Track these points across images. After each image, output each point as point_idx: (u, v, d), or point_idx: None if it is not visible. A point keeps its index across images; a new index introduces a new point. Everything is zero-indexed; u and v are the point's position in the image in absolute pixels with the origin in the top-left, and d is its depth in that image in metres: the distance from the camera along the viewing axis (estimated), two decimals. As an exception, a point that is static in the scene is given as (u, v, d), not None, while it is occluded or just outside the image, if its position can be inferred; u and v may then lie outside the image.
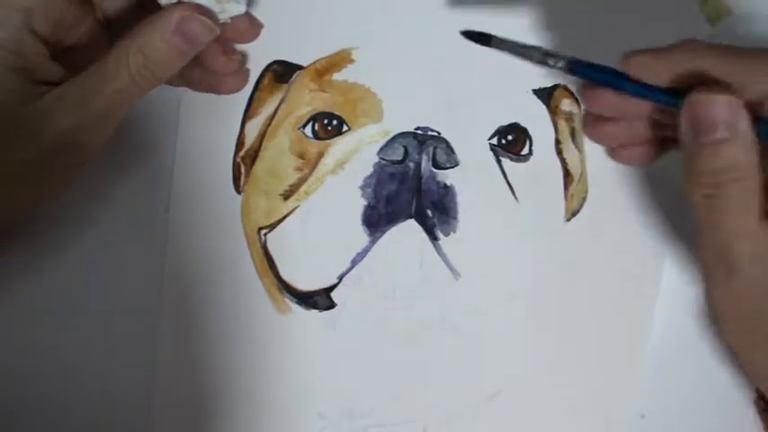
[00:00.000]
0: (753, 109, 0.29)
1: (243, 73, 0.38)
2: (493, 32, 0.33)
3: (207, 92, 0.38)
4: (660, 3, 0.39)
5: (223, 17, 0.35)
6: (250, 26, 0.37)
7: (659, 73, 0.30)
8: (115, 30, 0.35)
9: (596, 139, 0.35)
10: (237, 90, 0.38)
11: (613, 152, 0.35)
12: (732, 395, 0.38)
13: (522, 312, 0.38)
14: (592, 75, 0.32)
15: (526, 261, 0.38)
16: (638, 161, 0.35)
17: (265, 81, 0.38)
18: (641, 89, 0.31)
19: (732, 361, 0.38)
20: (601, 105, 0.33)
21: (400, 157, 0.37)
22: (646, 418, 0.38)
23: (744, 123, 0.29)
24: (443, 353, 0.37)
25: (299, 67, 0.38)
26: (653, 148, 0.34)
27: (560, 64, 0.32)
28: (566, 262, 0.38)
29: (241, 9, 0.35)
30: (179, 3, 0.33)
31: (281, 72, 0.38)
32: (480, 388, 0.37)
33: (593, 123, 0.34)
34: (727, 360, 0.38)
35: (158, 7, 0.34)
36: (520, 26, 0.38)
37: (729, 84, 0.29)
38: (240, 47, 0.38)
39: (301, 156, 0.38)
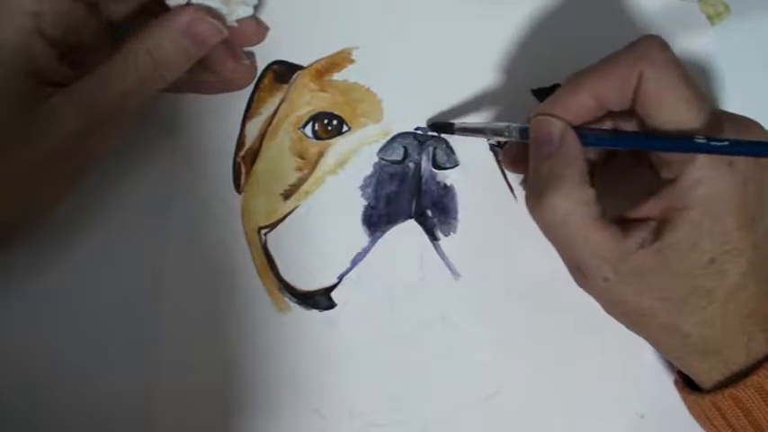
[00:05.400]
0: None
1: (252, 68, 0.38)
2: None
3: (216, 93, 0.38)
4: (660, 1, 0.39)
5: (230, 20, 0.35)
6: (257, 29, 0.37)
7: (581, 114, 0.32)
8: (120, 32, 0.35)
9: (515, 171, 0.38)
10: (246, 85, 0.38)
11: None
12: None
13: (521, 312, 0.38)
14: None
15: (526, 261, 0.38)
16: None
17: (266, 81, 0.38)
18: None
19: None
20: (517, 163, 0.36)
21: (400, 158, 0.37)
22: (646, 418, 0.38)
23: (569, 140, 0.31)
24: (443, 353, 0.37)
25: (300, 67, 0.38)
26: None
27: (514, 133, 0.34)
28: (566, 262, 0.38)
29: (248, 11, 0.35)
30: (188, 4, 0.33)
31: (282, 72, 0.38)
32: (480, 388, 0.37)
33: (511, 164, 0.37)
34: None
35: (164, 9, 0.34)
36: (519, 22, 0.38)
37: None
38: (241, 47, 0.38)
39: (301, 156, 0.38)
